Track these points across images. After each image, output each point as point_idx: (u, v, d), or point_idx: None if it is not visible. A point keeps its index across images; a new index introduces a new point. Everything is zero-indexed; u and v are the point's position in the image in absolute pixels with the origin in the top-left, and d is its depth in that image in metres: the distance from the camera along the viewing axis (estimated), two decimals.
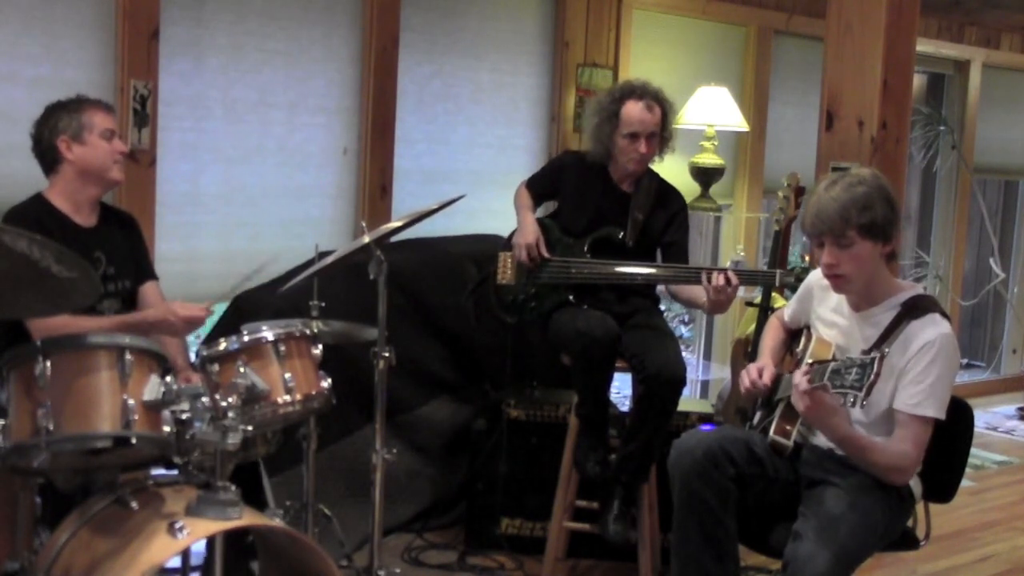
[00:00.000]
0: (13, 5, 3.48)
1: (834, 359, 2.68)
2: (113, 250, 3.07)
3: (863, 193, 2.65)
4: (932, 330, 2.67)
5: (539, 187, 3.79)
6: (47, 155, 3.00)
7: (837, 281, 2.75)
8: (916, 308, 2.73)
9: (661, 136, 3.60)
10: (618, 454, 3.48)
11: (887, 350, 2.64)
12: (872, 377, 2.47)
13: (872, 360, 2.49)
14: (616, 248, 3.59)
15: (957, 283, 6.79)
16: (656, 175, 3.72)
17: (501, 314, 3.71)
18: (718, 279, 3.30)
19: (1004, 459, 5.61)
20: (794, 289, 3.47)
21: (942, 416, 2.68)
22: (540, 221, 3.71)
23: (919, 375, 2.64)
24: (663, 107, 3.59)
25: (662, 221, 3.64)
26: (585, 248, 3.62)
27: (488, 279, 3.76)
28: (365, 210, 4.28)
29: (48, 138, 2.98)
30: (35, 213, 2.92)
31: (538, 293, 3.63)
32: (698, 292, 3.45)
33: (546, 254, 3.61)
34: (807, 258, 3.92)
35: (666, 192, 3.70)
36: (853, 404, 2.56)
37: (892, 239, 2.71)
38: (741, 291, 5.23)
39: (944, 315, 2.73)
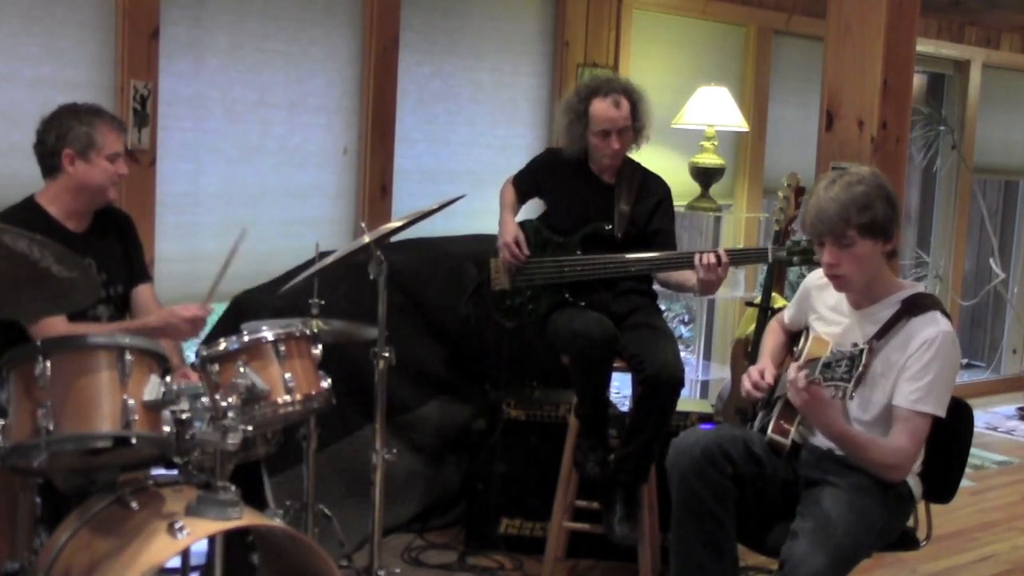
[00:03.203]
0: (13, 5, 3.47)
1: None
2: (104, 255, 3.03)
3: (862, 192, 2.66)
4: (932, 328, 2.67)
5: (523, 184, 3.80)
6: (48, 160, 2.95)
7: (838, 281, 2.75)
8: (916, 306, 2.73)
9: (633, 128, 3.58)
10: (617, 454, 3.48)
11: (875, 343, 2.65)
12: (860, 369, 2.49)
13: (860, 352, 2.51)
14: (606, 242, 3.59)
15: (957, 283, 6.79)
16: (638, 165, 3.71)
17: (499, 319, 3.71)
18: (708, 258, 3.30)
19: (1004, 459, 5.61)
20: (788, 264, 3.47)
21: (942, 414, 2.68)
22: (528, 223, 3.71)
23: (919, 372, 2.64)
24: (631, 99, 3.56)
25: (647, 210, 3.63)
26: (576, 245, 3.62)
27: (483, 286, 3.75)
28: (365, 210, 4.28)
29: (53, 145, 2.92)
30: (26, 217, 2.85)
31: (535, 295, 3.63)
32: (687, 275, 3.46)
33: (527, 251, 3.61)
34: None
35: (649, 181, 3.69)
36: (843, 396, 2.57)
37: (892, 237, 2.71)
38: (741, 290, 5.27)
39: (945, 313, 2.73)
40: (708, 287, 3.39)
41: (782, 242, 3.76)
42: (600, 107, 3.53)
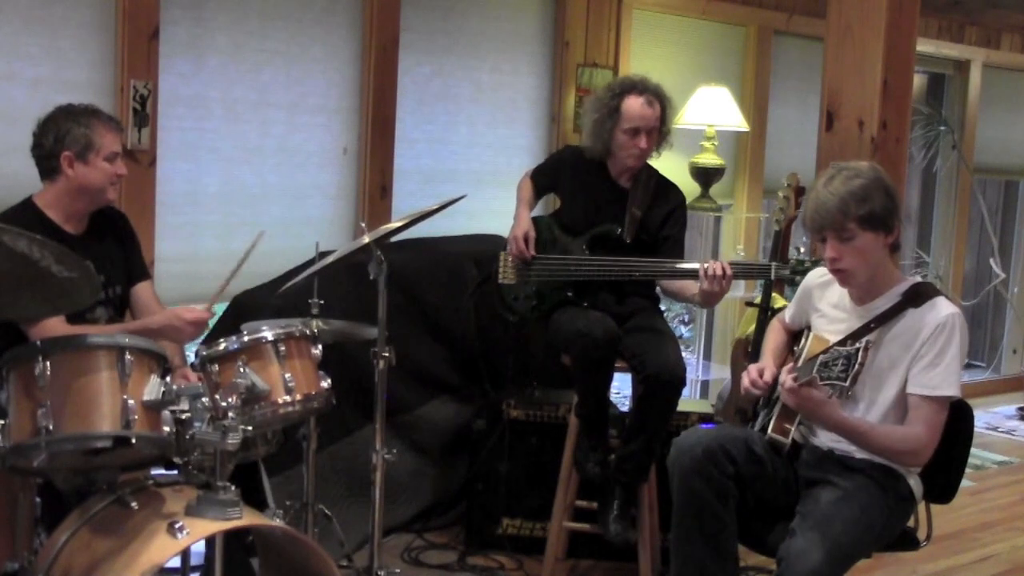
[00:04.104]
0: (13, 5, 3.47)
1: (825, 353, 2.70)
2: (103, 257, 3.01)
3: (861, 185, 2.66)
4: (941, 312, 2.68)
5: (542, 179, 3.80)
6: (46, 163, 2.93)
7: (841, 275, 2.75)
8: (918, 295, 2.73)
9: (660, 131, 3.60)
10: (618, 454, 3.48)
11: (873, 338, 2.65)
12: (856, 367, 2.49)
13: (856, 351, 2.52)
14: (614, 245, 3.59)
15: (957, 283, 6.79)
16: (654, 171, 3.71)
17: (504, 313, 3.71)
18: (715, 267, 3.29)
19: (1004, 459, 5.61)
20: (790, 282, 3.47)
21: (959, 394, 2.68)
22: (539, 219, 3.71)
23: (936, 357, 2.65)
24: (662, 102, 3.58)
25: (660, 217, 3.63)
26: (584, 245, 3.62)
27: (490, 279, 3.76)
28: (365, 210, 4.28)
29: (51, 147, 2.90)
30: (25, 220, 2.82)
31: (539, 291, 3.63)
32: (687, 285, 3.46)
33: (532, 251, 3.61)
34: (804, 250, 3.92)
35: (664, 188, 3.69)
36: (840, 395, 2.57)
37: (894, 229, 2.71)
38: (741, 291, 5.26)
39: (948, 299, 2.74)
40: (710, 299, 3.38)
41: (782, 246, 3.76)
42: (634, 104, 3.52)
